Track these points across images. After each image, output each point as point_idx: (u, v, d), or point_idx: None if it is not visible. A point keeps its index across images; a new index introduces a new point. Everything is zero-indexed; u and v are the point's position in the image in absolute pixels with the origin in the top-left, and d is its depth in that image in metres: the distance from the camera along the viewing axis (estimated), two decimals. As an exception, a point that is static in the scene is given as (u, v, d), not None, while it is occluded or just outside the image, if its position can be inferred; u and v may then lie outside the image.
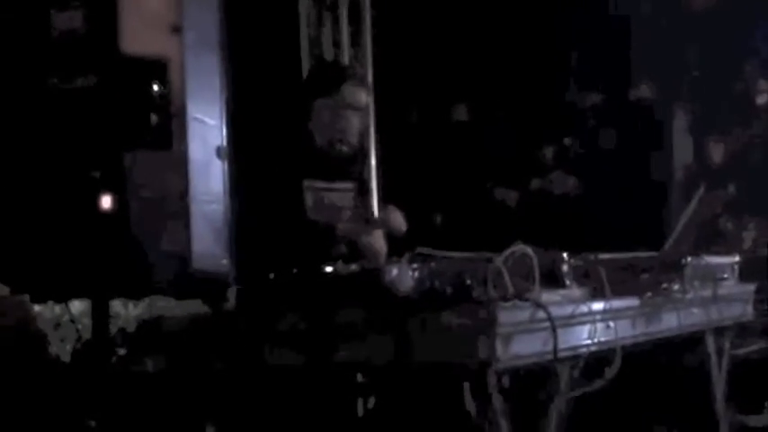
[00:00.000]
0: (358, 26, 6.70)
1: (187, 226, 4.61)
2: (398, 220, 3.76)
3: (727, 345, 4.28)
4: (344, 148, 3.88)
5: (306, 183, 3.81)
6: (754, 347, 4.67)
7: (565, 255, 3.24)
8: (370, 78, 6.58)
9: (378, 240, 3.68)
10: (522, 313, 2.95)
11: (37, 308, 4.85)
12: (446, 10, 7.98)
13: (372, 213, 4.30)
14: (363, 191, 4.05)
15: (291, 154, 3.89)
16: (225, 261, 3.57)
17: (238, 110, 5.30)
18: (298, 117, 3.90)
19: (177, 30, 4.78)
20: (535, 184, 8.24)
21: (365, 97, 3.99)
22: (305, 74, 5.59)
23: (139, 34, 4.62)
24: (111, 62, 4.63)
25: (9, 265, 4.77)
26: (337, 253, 3.54)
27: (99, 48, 4.64)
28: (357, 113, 3.91)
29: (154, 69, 4.67)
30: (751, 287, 4.37)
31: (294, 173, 3.82)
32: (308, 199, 3.80)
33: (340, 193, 3.91)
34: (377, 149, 6.81)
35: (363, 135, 4.11)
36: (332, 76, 3.98)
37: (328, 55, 6.54)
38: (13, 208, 4.91)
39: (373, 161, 6.83)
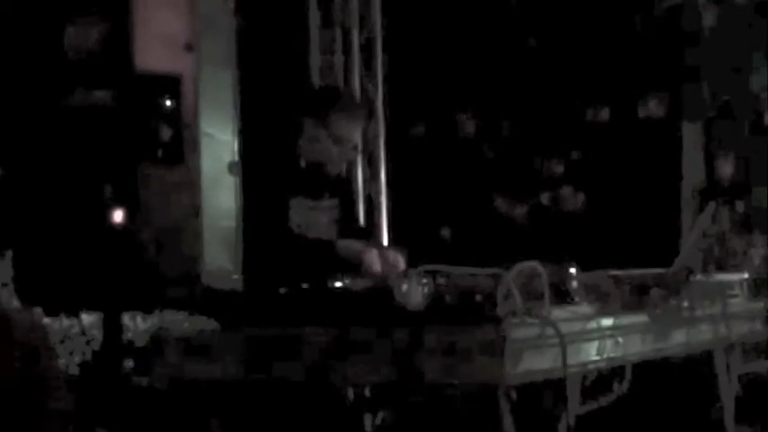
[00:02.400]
0: (369, 47, 6.74)
1: (199, 241, 4.63)
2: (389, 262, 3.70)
3: (736, 362, 4.28)
4: (324, 174, 3.87)
5: (292, 200, 3.81)
6: (763, 365, 4.67)
7: (574, 270, 3.25)
8: (380, 101, 6.61)
9: (374, 261, 3.69)
10: (532, 329, 2.96)
11: (46, 320, 4.88)
12: (454, 25, 8.02)
13: (364, 229, 4.29)
14: (348, 211, 4.02)
15: (282, 171, 3.89)
16: (236, 276, 3.59)
17: (249, 126, 5.33)
18: (287, 134, 3.89)
19: (190, 48, 4.82)
20: (544, 199, 8.26)
21: (353, 131, 3.91)
22: (304, 92, 5.57)
23: (153, 52, 4.66)
24: (125, 79, 4.67)
25: (22, 279, 4.81)
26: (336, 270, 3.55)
27: (113, 65, 4.68)
28: (339, 146, 3.85)
29: (167, 86, 4.70)
30: (761, 304, 4.36)
31: (285, 189, 3.82)
32: (294, 217, 3.79)
33: (323, 212, 3.89)
34: (387, 166, 6.84)
35: (348, 165, 4.03)
36: (325, 102, 3.93)
37: (339, 74, 6.56)
38: (27, 221, 4.95)
39: (383, 177, 6.86)
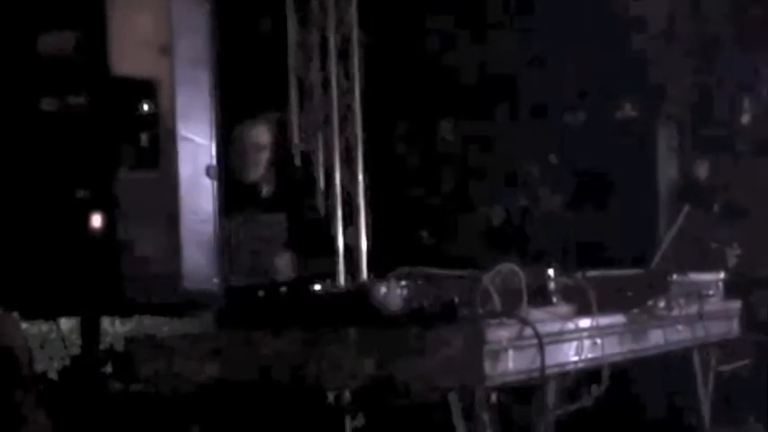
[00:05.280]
0: (346, 51, 6.74)
1: (177, 245, 4.62)
2: None
3: (713, 361, 4.31)
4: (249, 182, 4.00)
5: (235, 216, 3.91)
6: (739, 363, 4.70)
7: (551, 272, 3.27)
8: (357, 102, 6.63)
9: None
10: (510, 331, 2.97)
11: (25, 325, 4.84)
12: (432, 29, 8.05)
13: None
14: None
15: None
16: (215, 280, 3.59)
17: (227, 130, 5.33)
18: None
19: (167, 50, 4.80)
20: (521, 201, 8.28)
21: (263, 134, 4.06)
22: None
23: (129, 55, 4.64)
24: (101, 83, 4.65)
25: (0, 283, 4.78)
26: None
27: (89, 69, 4.66)
28: (255, 150, 3.98)
29: (143, 90, 4.68)
30: (737, 304, 4.40)
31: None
32: (239, 232, 3.87)
33: (268, 226, 3.97)
34: (364, 168, 6.85)
35: (265, 169, 4.18)
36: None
37: (316, 76, 6.57)
38: (3, 227, 4.92)
39: (360, 178, 6.86)
